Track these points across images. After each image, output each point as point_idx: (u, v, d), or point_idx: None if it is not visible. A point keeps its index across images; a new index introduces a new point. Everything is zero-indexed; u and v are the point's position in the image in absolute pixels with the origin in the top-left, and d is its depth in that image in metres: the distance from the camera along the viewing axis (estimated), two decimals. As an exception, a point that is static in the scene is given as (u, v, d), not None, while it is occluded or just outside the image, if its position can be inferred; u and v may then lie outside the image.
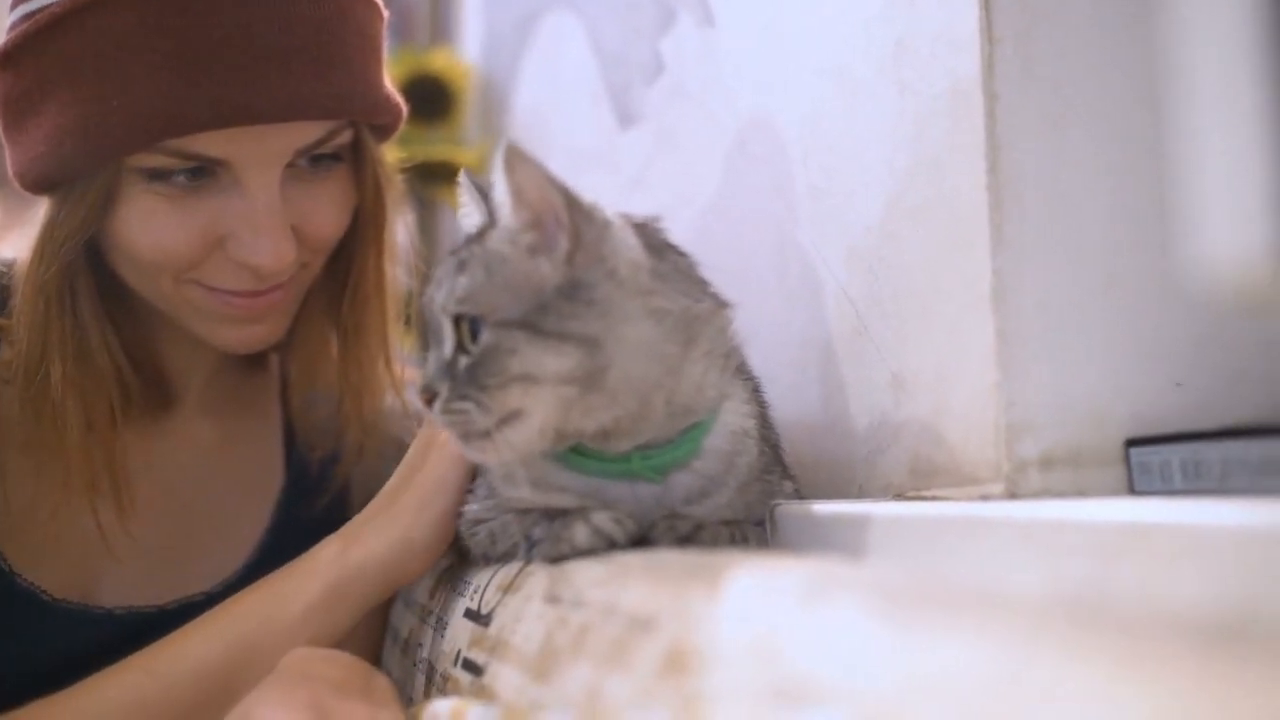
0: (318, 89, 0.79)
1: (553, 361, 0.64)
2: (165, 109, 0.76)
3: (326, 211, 0.86)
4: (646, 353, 0.66)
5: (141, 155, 0.78)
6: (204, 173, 0.80)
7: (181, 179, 0.80)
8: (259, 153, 0.80)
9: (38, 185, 0.82)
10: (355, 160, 0.87)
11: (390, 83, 0.89)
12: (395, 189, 0.92)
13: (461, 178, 0.75)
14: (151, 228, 0.81)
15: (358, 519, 0.83)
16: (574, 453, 0.69)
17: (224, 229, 0.81)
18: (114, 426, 0.86)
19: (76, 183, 0.80)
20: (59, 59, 0.78)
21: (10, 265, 0.86)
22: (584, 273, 0.65)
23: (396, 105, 0.89)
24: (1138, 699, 0.27)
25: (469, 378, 0.65)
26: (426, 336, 0.70)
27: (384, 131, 0.90)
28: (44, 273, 0.81)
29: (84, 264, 0.83)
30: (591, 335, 0.64)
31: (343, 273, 0.91)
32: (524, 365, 0.64)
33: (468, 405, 0.65)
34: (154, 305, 0.87)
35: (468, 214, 0.74)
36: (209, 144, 0.78)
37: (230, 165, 0.80)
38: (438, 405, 0.67)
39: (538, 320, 0.64)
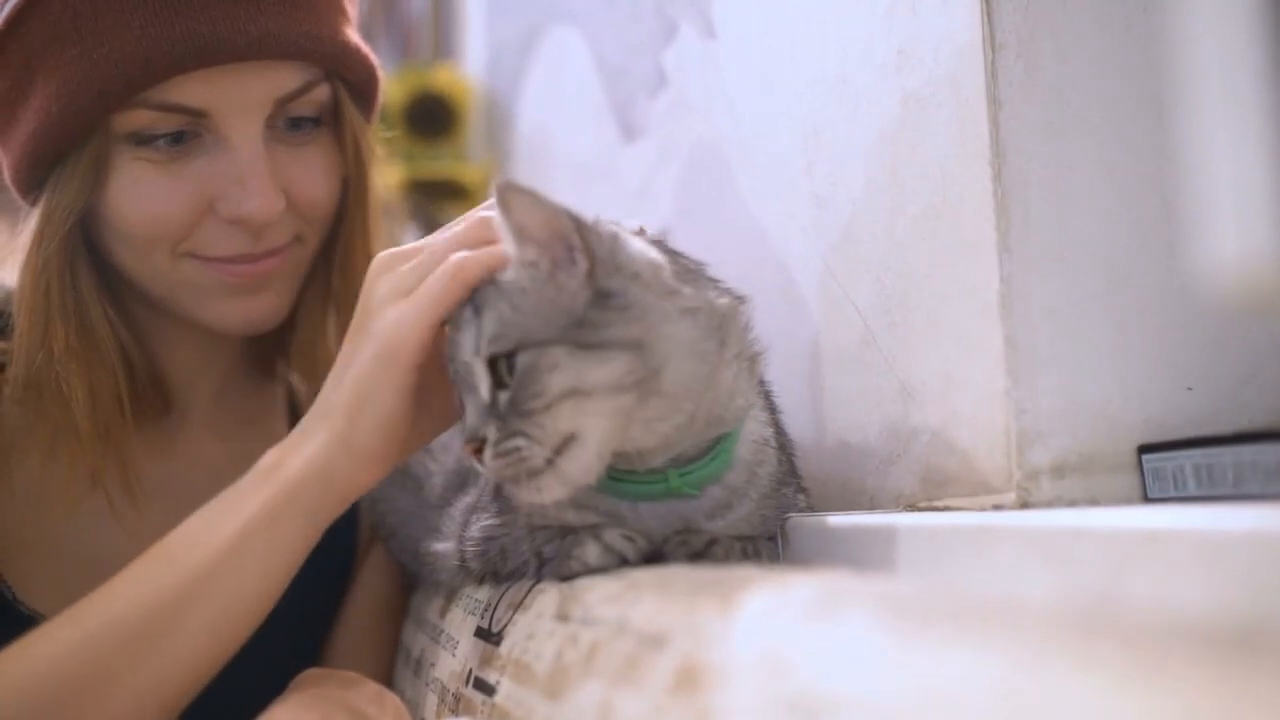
0: (286, 26, 0.82)
1: (598, 370, 0.62)
2: (142, 54, 0.79)
3: (313, 176, 0.88)
4: (690, 350, 0.64)
5: (126, 116, 0.81)
6: (188, 135, 0.83)
7: (166, 142, 0.82)
8: (238, 100, 0.82)
9: (33, 169, 0.83)
10: (336, 126, 0.90)
11: (384, 79, 0.92)
12: (377, 158, 0.94)
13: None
14: (141, 196, 0.83)
15: (295, 428, 0.79)
16: (610, 479, 0.67)
17: (213, 190, 0.84)
18: (118, 405, 0.86)
19: (68, 159, 0.82)
20: (40, 34, 0.81)
21: (10, 292, 0.87)
22: (608, 282, 0.64)
23: (368, 59, 0.91)
24: (1151, 709, 0.26)
25: (513, 409, 0.62)
26: (459, 393, 0.67)
27: (363, 93, 0.91)
28: (44, 250, 0.83)
29: (83, 249, 0.85)
30: (634, 338, 0.62)
31: (333, 250, 0.93)
32: (568, 380, 0.62)
33: (519, 441, 0.62)
34: (155, 303, 0.88)
35: None
36: (189, 93, 0.81)
37: (211, 118, 0.82)
38: (488, 452, 0.63)
39: (576, 336, 0.62)
